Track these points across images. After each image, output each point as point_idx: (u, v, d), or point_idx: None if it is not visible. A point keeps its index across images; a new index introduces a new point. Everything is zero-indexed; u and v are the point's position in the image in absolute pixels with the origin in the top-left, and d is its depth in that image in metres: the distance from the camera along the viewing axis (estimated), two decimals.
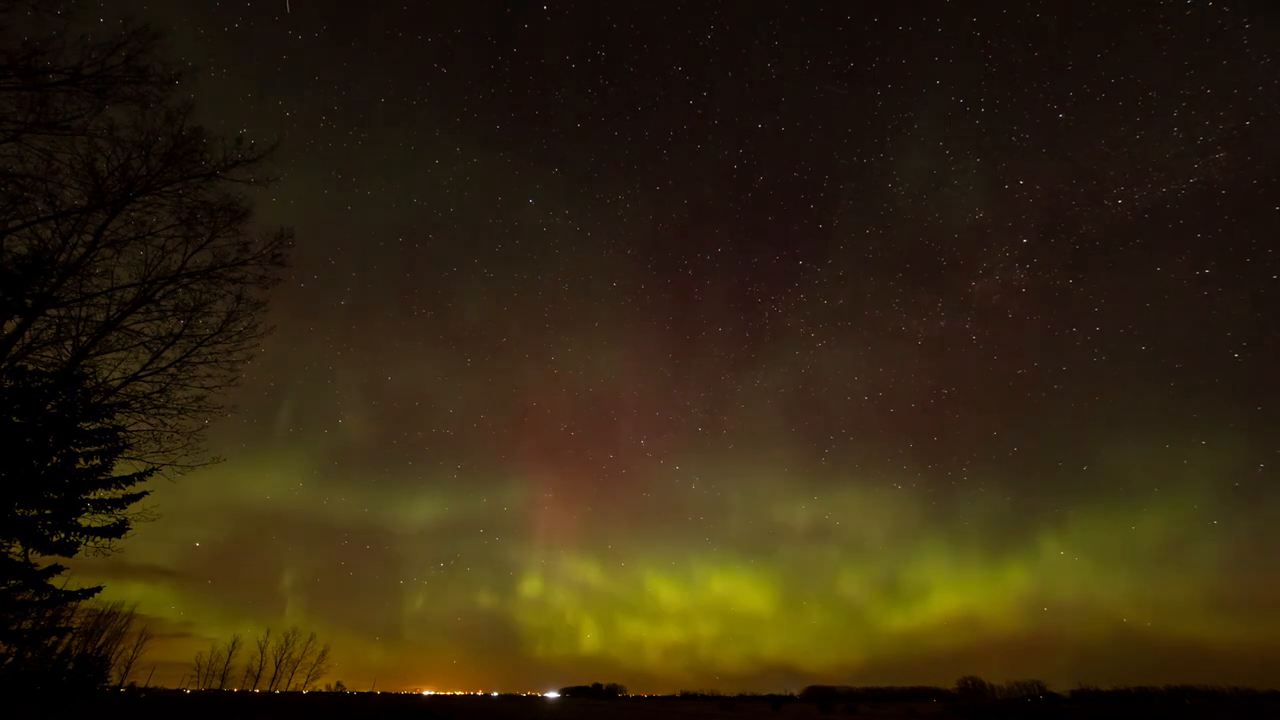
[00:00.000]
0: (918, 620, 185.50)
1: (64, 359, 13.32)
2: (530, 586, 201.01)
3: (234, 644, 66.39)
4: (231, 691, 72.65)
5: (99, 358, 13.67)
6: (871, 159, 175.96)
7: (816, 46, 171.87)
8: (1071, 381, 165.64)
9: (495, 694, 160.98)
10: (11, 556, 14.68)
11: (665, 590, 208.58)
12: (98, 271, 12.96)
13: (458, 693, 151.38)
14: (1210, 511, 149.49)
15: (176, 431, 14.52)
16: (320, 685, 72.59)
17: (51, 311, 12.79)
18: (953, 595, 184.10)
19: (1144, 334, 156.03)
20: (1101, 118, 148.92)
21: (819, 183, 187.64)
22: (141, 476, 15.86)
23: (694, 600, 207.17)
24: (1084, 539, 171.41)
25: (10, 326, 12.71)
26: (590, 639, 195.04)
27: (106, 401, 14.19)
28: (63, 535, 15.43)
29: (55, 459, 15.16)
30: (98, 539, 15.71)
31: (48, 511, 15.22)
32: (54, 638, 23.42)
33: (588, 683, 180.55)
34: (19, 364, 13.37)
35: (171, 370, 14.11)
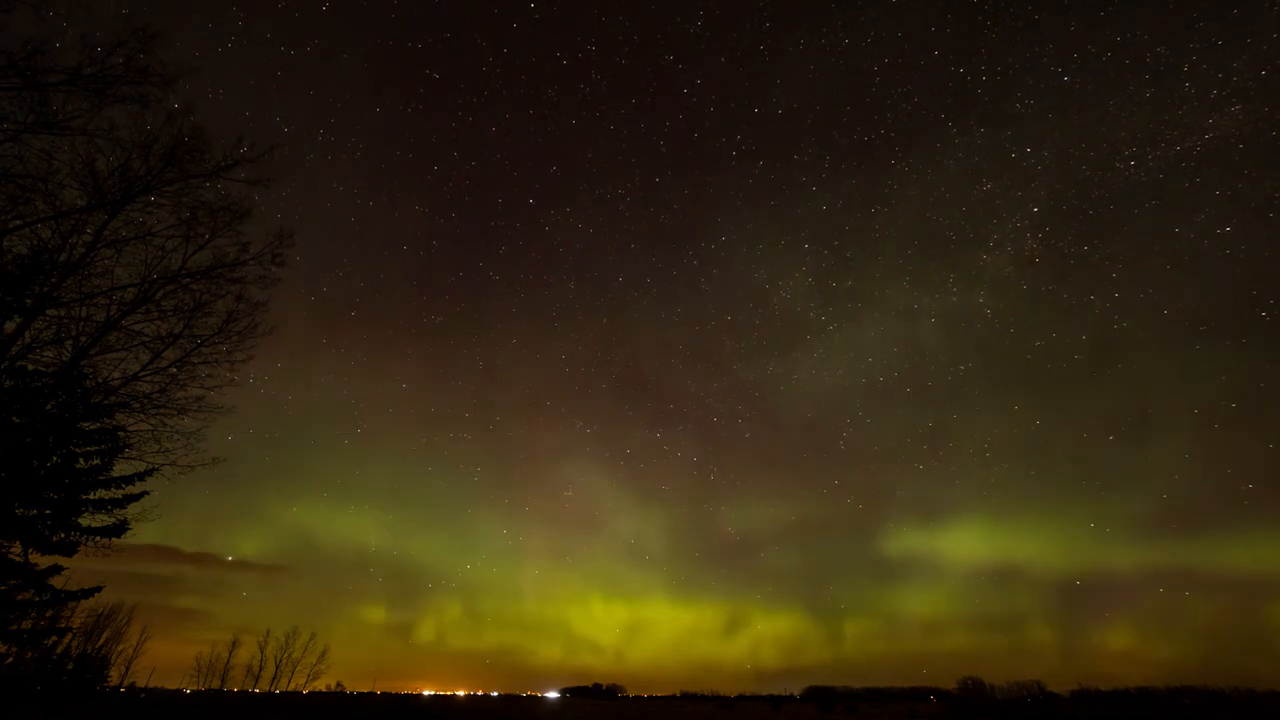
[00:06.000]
0: (939, 604, 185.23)
1: (64, 359, 13.31)
2: (544, 585, 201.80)
3: (234, 644, 66.42)
4: (231, 691, 72.66)
5: (99, 358, 13.66)
6: (872, 136, 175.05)
7: (809, 25, 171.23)
8: (1092, 350, 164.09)
9: (495, 694, 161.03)
10: (11, 556, 14.67)
11: (680, 585, 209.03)
12: (98, 271, 12.94)
13: (458, 693, 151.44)
14: (1245, 476, 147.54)
15: (176, 431, 14.52)
16: (320, 685, 72.59)
17: (51, 311, 12.78)
18: (982, 573, 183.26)
19: (1165, 297, 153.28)
20: (1108, 78, 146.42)
21: (820, 164, 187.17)
22: (141, 476, 15.87)
23: (711, 593, 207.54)
24: (1114, 512, 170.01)
25: (10, 326, 12.70)
26: (597, 638, 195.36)
27: (106, 401, 14.18)
28: (63, 535, 15.44)
29: (55, 459, 15.15)
30: (98, 539, 15.72)
31: (48, 511, 15.22)
32: (54, 638, 23.41)
33: (588, 683, 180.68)
34: (19, 364, 13.36)
35: (171, 370, 14.10)
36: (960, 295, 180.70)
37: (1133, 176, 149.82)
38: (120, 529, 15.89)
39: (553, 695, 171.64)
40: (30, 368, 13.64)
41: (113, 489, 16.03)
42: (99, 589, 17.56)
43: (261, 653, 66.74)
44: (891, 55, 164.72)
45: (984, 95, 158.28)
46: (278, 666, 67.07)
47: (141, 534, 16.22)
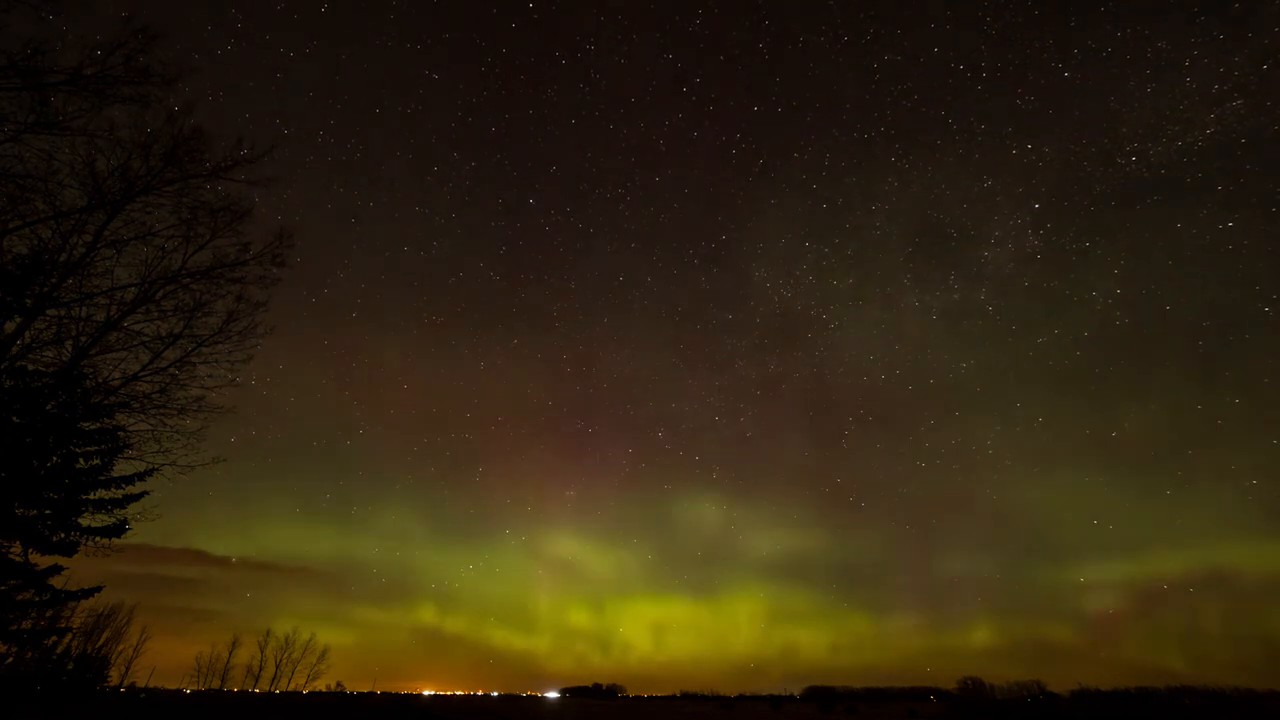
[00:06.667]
0: (940, 602, 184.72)
1: (64, 359, 13.31)
2: (545, 585, 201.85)
3: (234, 644, 66.42)
4: (231, 691, 72.66)
5: (99, 358, 13.66)
6: (872, 134, 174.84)
7: (808, 23, 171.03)
8: (1095, 346, 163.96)
9: (495, 694, 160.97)
10: (11, 556, 14.67)
11: (681, 585, 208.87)
12: (98, 271, 12.93)
13: (458, 692, 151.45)
14: (1250, 471, 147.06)
15: (176, 431, 14.50)
16: (320, 685, 72.60)
17: (51, 311, 12.77)
18: (985, 571, 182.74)
19: (1168, 293, 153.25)
20: (1109, 73, 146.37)
21: (820, 162, 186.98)
22: (141, 476, 15.85)
23: (715, 591, 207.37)
24: (1118, 509, 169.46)
25: (10, 326, 12.70)
26: (597, 638, 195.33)
27: (106, 401, 14.18)
28: (63, 535, 15.43)
29: (55, 459, 15.15)
30: (98, 539, 15.72)
31: (48, 511, 15.21)
32: (54, 638, 23.41)
33: (588, 683, 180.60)
34: (19, 364, 13.36)
35: (171, 370, 14.09)
36: (962, 292, 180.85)
37: (1134, 172, 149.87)
38: (120, 529, 15.89)
39: (553, 695, 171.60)
40: (30, 368, 13.64)
41: (113, 489, 16.02)
42: (99, 589, 17.55)
43: (261, 653, 66.82)
44: (891, 52, 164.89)
45: (984, 91, 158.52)
46: (278, 666, 67.12)
47: (142, 534, 16.21)
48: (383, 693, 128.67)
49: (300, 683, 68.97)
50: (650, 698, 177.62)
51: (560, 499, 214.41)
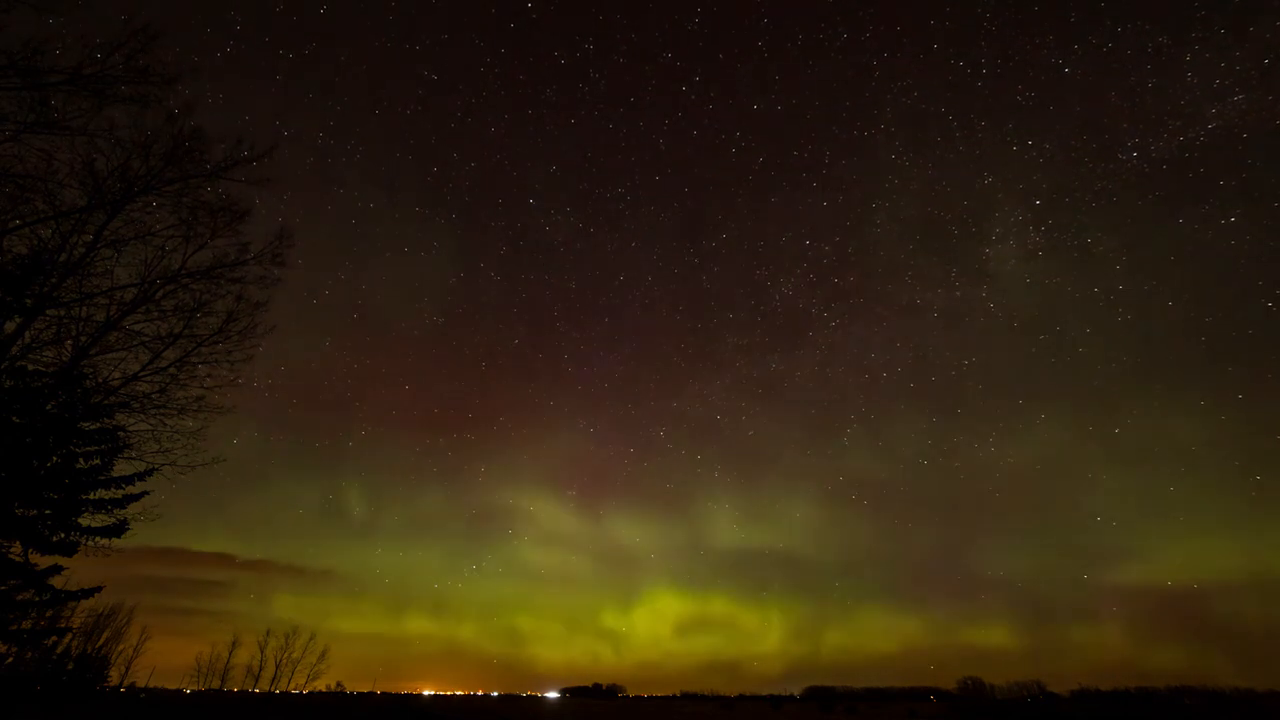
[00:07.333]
0: (941, 601, 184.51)
1: (64, 359, 13.31)
2: (547, 585, 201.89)
3: (234, 644, 66.40)
4: (231, 691, 72.65)
5: (99, 358, 13.66)
6: (872, 131, 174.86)
7: (807, 20, 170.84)
8: (1097, 343, 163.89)
9: (495, 694, 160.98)
10: (11, 556, 14.67)
11: (682, 584, 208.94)
12: (98, 271, 12.93)
13: (458, 692, 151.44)
14: (1252, 468, 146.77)
15: (176, 431, 14.52)
16: (320, 685, 72.54)
17: (51, 311, 12.77)
18: (987, 570, 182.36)
19: (1170, 289, 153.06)
20: (1109, 69, 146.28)
21: (820, 160, 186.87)
22: (141, 476, 15.85)
23: (716, 591, 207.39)
24: (1119, 507, 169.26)
25: (10, 326, 12.69)
26: (598, 638, 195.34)
27: (106, 401, 14.18)
28: (63, 535, 15.43)
29: (55, 459, 15.15)
30: (98, 539, 15.72)
31: (48, 511, 15.21)
32: (54, 638, 23.40)
33: (588, 683, 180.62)
34: (19, 364, 13.36)
35: (171, 370, 14.09)
36: (963, 289, 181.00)
37: (1135, 167, 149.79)
38: (120, 529, 15.88)
39: (553, 695, 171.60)
40: (30, 368, 13.64)
41: (113, 489, 16.01)
42: (99, 589, 17.54)
43: (261, 653, 66.76)
44: (890, 49, 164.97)
45: (984, 88, 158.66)
46: (278, 666, 67.06)
47: (144, 534, 16.23)
48: (383, 693, 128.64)
49: (300, 683, 68.96)
50: (650, 698, 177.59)
51: (561, 499, 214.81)
